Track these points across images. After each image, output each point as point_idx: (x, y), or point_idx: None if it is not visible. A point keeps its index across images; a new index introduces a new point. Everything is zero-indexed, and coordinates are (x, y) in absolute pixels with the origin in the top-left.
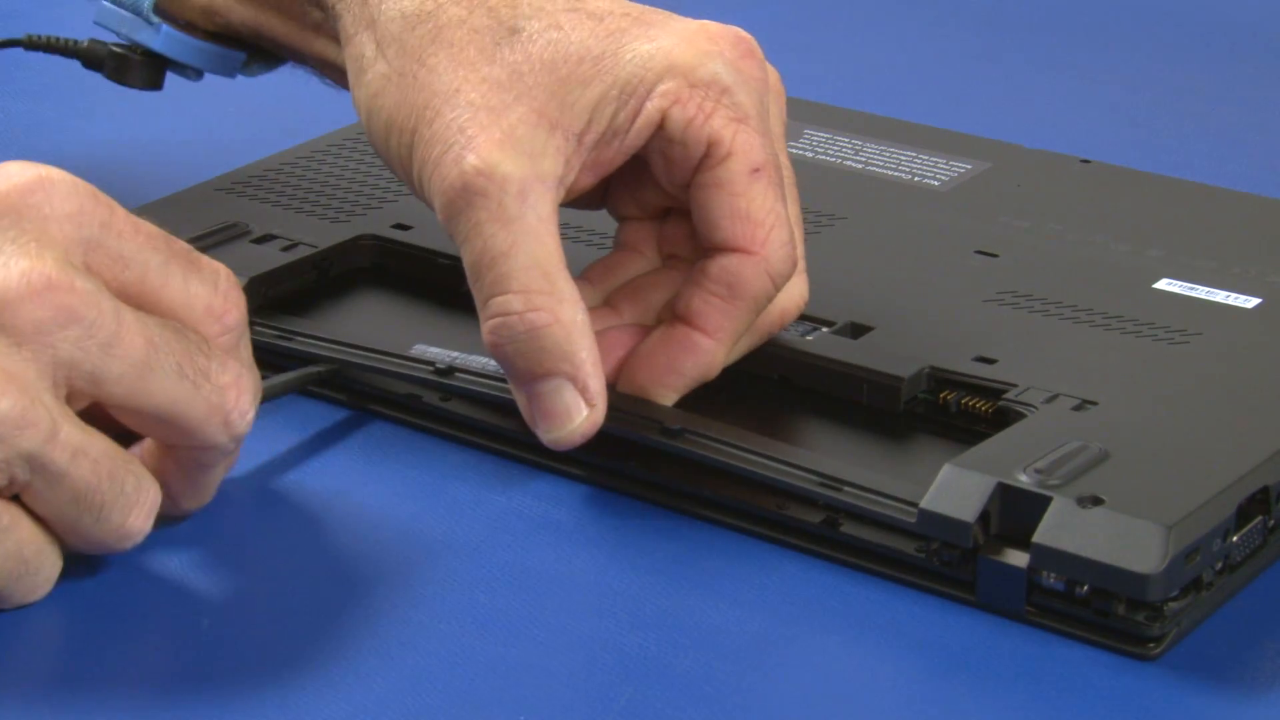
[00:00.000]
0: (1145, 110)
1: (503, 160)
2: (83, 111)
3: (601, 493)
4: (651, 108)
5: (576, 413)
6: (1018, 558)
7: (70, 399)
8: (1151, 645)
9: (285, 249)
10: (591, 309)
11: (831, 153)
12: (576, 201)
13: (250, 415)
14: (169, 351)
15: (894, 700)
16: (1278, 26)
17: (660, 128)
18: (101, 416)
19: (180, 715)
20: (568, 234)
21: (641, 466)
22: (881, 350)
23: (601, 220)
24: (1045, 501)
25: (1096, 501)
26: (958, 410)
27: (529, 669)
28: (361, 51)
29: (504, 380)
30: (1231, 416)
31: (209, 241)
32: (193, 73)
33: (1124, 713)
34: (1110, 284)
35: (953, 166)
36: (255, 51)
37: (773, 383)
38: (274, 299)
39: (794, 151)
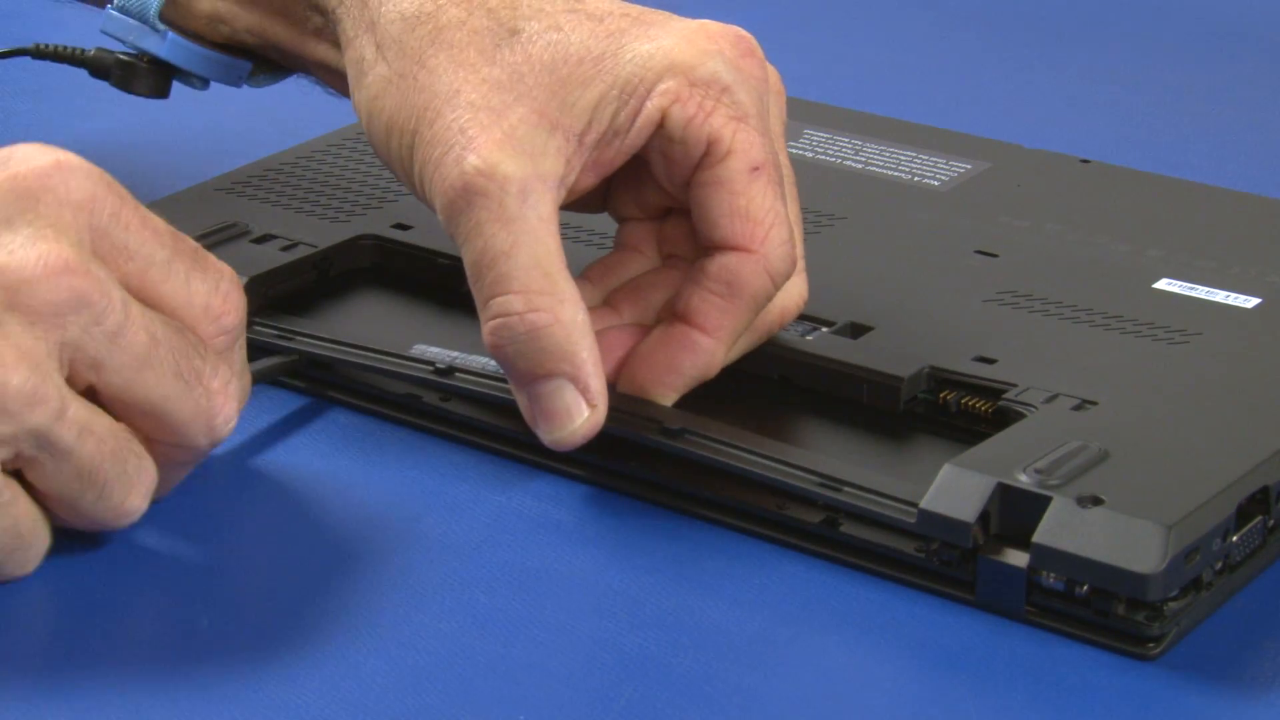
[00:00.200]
0: (1145, 110)
1: (503, 160)
2: (84, 112)
3: (602, 492)
4: (652, 107)
5: (578, 413)
6: (1018, 558)
7: (68, 383)
8: (1151, 645)
9: (285, 249)
10: (591, 309)
11: (831, 153)
12: (577, 204)
13: (234, 422)
14: (168, 349)
15: (894, 700)
16: (1278, 26)
17: (660, 127)
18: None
19: (180, 714)
20: (568, 234)
21: (642, 466)
22: (881, 350)
23: (601, 220)
24: (1045, 501)
25: (1096, 501)
26: (958, 410)
27: (529, 669)
28: (362, 54)
29: (504, 380)
30: (1231, 416)
31: (209, 241)
32: (199, 81)
33: (1124, 713)
34: (1110, 284)
35: (953, 166)
36: (261, 61)
37: (773, 383)
38: (274, 298)
39: (794, 151)
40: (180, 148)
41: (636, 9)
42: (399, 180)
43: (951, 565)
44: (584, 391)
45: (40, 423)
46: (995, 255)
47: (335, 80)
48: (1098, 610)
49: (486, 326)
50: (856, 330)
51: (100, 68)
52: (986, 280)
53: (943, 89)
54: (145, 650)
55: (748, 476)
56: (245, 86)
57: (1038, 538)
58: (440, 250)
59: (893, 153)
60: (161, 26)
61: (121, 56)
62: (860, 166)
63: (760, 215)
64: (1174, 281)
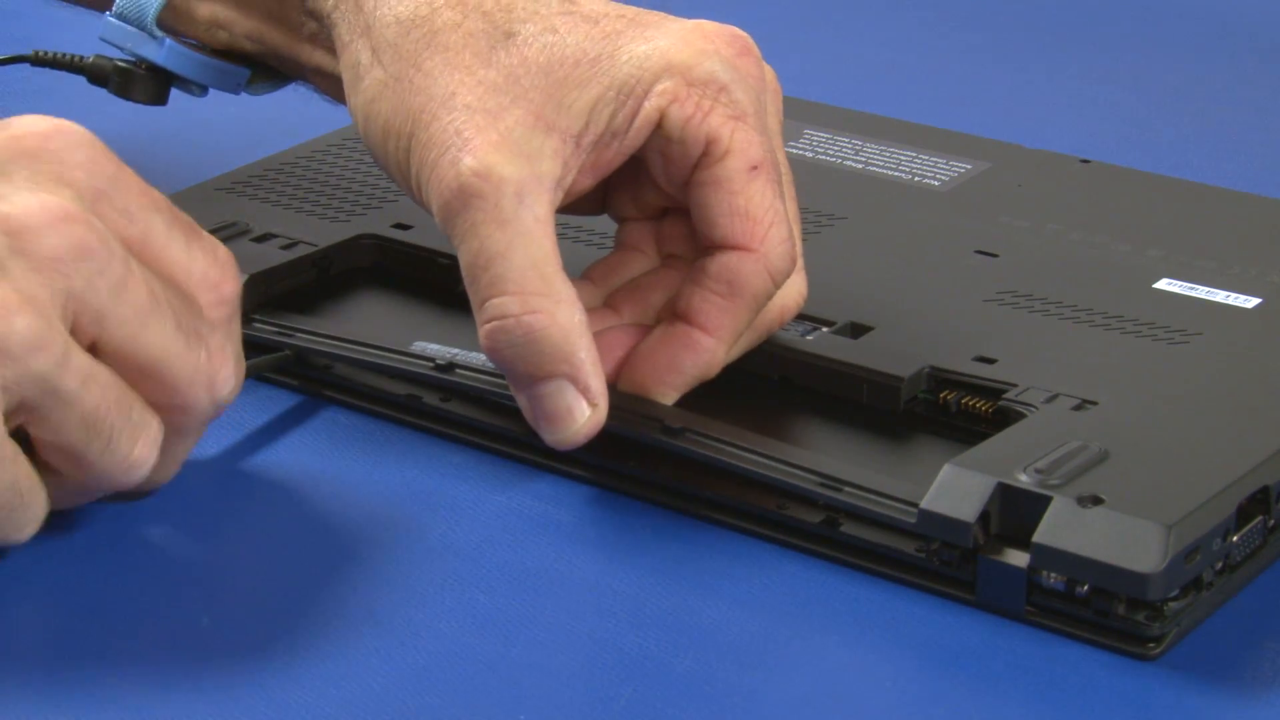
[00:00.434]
0: (1145, 110)
1: (499, 162)
2: (83, 112)
3: (602, 493)
4: (649, 107)
5: (579, 413)
6: (1018, 557)
7: (71, 336)
8: (1151, 645)
9: (285, 247)
10: (591, 309)
11: (831, 153)
12: (576, 206)
13: (233, 383)
14: (170, 306)
15: (894, 700)
16: (1278, 26)
17: (658, 127)
18: None
19: (179, 713)
20: (567, 235)
21: (642, 466)
22: (881, 350)
23: (601, 221)
24: (1045, 501)
25: (1096, 501)
26: (958, 410)
27: (529, 669)
28: (357, 59)
29: (504, 376)
30: (1231, 416)
31: None
32: (197, 88)
33: (1124, 713)
34: (1110, 284)
35: (953, 166)
36: (260, 68)
37: (773, 383)
38: (274, 297)
39: (794, 151)
40: (180, 148)
41: (632, 10)
42: (396, 184)
43: (952, 565)
44: (584, 391)
45: (44, 368)
46: (995, 255)
47: (331, 86)
48: (1098, 610)
49: (483, 329)
50: (856, 330)
51: (99, 75)
52: (986, 280)
53: (943, 89)
54: (145, 650)
55: (748, 476)
56: (243, 94)
57: (1038, 537)
58: (440, 250)
59: (893, 153)
60: (159, 33)
61: (120, 63)
62: (860, 166)
63: (759, 214)
64: (1174, 281)
